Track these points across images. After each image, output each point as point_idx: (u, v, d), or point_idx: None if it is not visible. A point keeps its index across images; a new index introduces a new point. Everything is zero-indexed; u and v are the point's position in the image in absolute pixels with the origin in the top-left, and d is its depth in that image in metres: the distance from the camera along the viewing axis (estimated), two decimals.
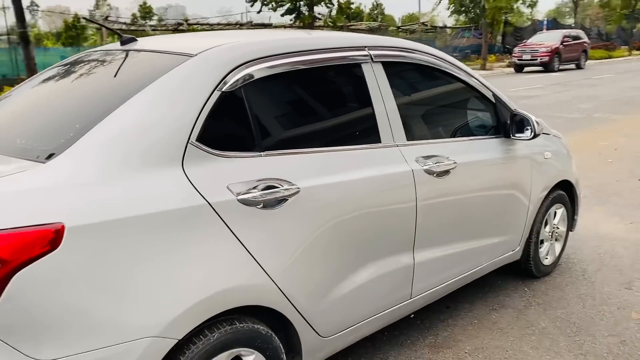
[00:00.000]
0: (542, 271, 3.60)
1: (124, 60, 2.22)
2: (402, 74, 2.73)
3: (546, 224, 3.55)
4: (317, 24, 21.23)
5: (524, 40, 27.05)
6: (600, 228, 4.55)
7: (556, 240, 3.72)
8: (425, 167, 2.52)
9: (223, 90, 1.93)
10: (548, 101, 13.21)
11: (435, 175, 2.57)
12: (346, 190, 2.21)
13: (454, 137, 2.90)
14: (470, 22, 34.32)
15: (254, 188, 1.92)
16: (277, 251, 1.98)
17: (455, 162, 2.67)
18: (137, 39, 2.38)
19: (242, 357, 1.94)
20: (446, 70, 2.82)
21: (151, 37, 2.59)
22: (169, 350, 1.70)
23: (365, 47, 2.46)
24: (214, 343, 1.81)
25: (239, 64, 2.00)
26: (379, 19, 30.04)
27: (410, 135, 2.60)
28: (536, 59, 23.06)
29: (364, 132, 2.43)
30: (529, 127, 2.98)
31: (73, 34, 20.51)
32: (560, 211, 3.65)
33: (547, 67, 22.91)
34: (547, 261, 3.63)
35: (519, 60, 23.66)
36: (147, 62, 2.15)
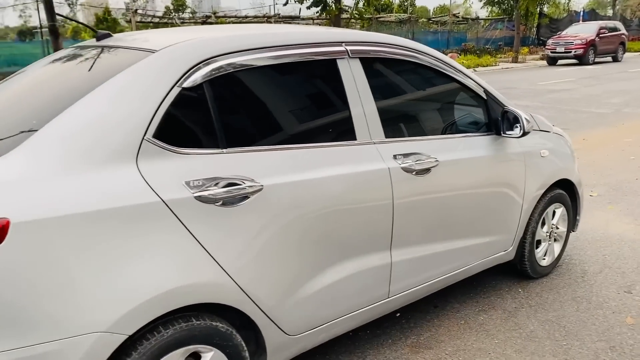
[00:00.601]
0: (539, 272, 3.51)
1: (96, 57, 2.24)
2: (383, 70, 2.68)
3: (543, 223, 3.45)
4: (343, 16, 21.10)
5: (559, 33, 26.33)
6: (610, 228, 4.40)
7: (555, 240, 3.61)
8: (403, 165, 2.47)
9: (184, 86, 1.93)
10: (577, 95, 12.83)
11: (414, 173, 2.52)
12: (316, 188, 2.18)
13: (439, 134, 2.83)
14: (504, 14, 33.58)
15: (214, 185, 1.91)
16: (237, 249, 1.98)
17: (437, 160, 2.61)
18: (112, 34, 2.40)
19: (201, 354, 1.95)
20: (432, 66, 2.75)
21: (130, 33, 2.60)
22: (120, 345, 1.72)
23: (342, 42, 2.42)
24: (168, 339, 1.82)
25: (202, 59, 1.99)
26: (410, 11, 29.64)
27: (390, 132, 2.55)
28: (570, 52, 22.41)
29: (338, 129, 2.39)
30: (518, 125, 2.89)
31: (104, 27, 20.91)
32: (559, 211, 3.54)
33: (581, 60, 22.25)
34: (544, 262, 3.53)
35: (552, 52, 23.04)
36: (114, 58, 2.16)
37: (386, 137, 2.49)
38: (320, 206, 2.20)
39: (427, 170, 2.58)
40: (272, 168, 2.08)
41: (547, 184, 3.32)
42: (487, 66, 23.80)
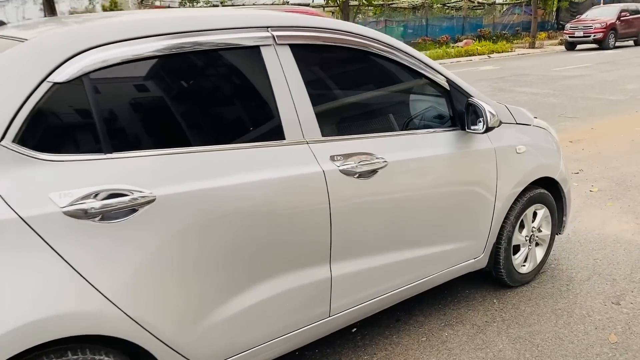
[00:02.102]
0: (518, 280, 3.18)
1: None
2: (321, 59, 2.37)
3: (522, 226, 3.11)
4: (353, 3, 20.61)
5: (578, 16, 25.46)
6: (606, 228, 4.03)
7: (537, 245, 3.27)
8: (342, 167, 2.17)
9: (56, 80, 1.64)
10: (591, 81, 12.27)
11: (356, 176, 2.21)
12: (228, 197, 1.89)
13: (392, 131, 2.50)
14: None
15: (92, 197, 1.63)
16: (123, 272, 1.70)
17: (385, 161, 2.30)
18: (6, 23, 2.13)
19: None
20: (383, 54, 2.42)
21: (28, 21, 2.32)
22: None
23: (268, 27, 2.10)
24: None
25: (80, 50, 1.69)
26: None
27: (330, 130, 2.25)
28: (589, 36, 21.60)
29: (261, 127, 2.10)
30: (481, 119, 2.55)
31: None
32: (541, 212, 3.20)
33: (601, 44, 21.44)
34: (524, 269, 3.19)
35: (570, 37, 22.25)
36: None
37: (324, 135, 2.19)
38: (234, 218, 1.91)
39: (373, 172, 2.27)
40: (170, 175, 1.79)
41: (525, 183, 2.98)
42: (502, 52, 23.14)
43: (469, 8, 30.46)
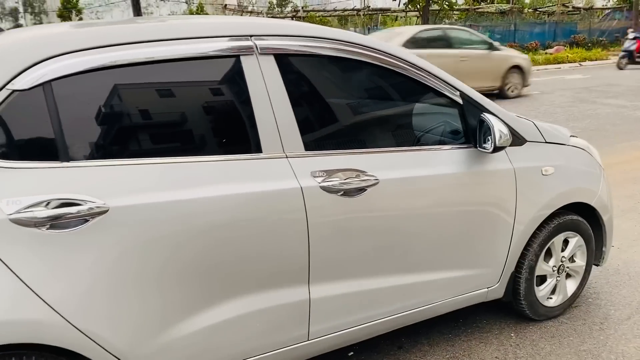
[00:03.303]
0: (542, 314, 2.89)
1: None
2: (311, 69, 2.25)
3: (549, 255, 2.83)
4: (433, 8, 20.14)
5: None
6: None
7: (568, 276, 2.96)
8: (324, 184, 2.05)
9: (16, 88, 1.66)
10: None
11: (340, 193, 2.08)
12: (192, 211, 1.83)
13: (391, 147, 2.34)
14: (623, 3, 30.52)
15: (44, 205, 1.63)
16: (70, 282, 1.68)
17: (376, 179, 2.15)
18: (3, 29, 2.20)
19: None
20: (382, 65, 2.26)
21: (23, 28, 2.38)
22: None
23: (250, 35, 2.03)
24: None
25: (43, 57, 1.70)
26: (513, 1, 27.60)
27: (315, 144, 2.14)
28: None
29: (236, 140, 2.02)
30: (489, 138, 2.33)
31: None
32: (573, 240, 2.89)
33: None
34: (551, 302, 2.90)
35: None
36: None
37: (308, 150, 2.08)
38: (197, 233, 1.84)
39: (361, 190, 2.13)
40: (128, 186, 1.75)
41: (552, 208, 2.70)
42: (595, 60, 21.76)
43: (562, 13, 28.89)
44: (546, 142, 2.71)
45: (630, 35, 17.99)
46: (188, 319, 1.90)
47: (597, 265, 3.10)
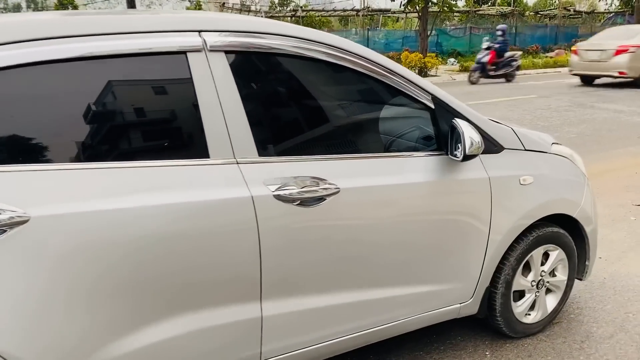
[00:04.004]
0: (521, 331, 2.73)
1: None
2: (269, 68, 2.10)
3: (528, 269, 2.68)
4: (433, 9, 19.96)
5: None
6: None
7: (549, 291, 2.81)
8: (278, 193, 1.89)
9: None
10: None
11: (297, 203, 1.93)
12: (124, 221, 1.67)
13: (355, 153, 2.19)
14: (625, 7, 30.35)
15: None
16: None
17: (337, 187, 2.00)
18: None
19: None
20: (347, 65, 2.10)
21: None
22: None
23: (200, 30, 1.88)
24: None
25: None
26: (514, 3, 27.36)
27: (271, 150, 1.99)
28: None
29: (179, 144, 1.87)
30: (459, 145, 2.18)
31: None
32: (554, 254, 2.73)
33: None
34: (529, 318, 2.75)
35: None
36: None
37: (261, 155, 1.93)
38: (131, 245, 1.68)
39: (320, 199, 1.97)
40: (54, 193, 1.60)
41: (530, 220, 2.55)
42: None
43: (564, 16, 28.72)
44: (525, 150, 2.56)
45: (484, 45, 15.69)
46: (122, 338, 1.74)
47: (580, 279, 2.95)
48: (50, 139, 1.67)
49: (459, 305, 2.49)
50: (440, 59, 19.45)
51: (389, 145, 2.35)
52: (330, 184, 1.99)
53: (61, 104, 1.69)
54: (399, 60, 19.42)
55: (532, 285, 2.70)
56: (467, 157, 2.17)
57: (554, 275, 2.80)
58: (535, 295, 2.73)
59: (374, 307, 2.24)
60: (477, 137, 2.17)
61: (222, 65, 1.88)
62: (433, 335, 2.77)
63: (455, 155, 2.21)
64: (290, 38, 2.02)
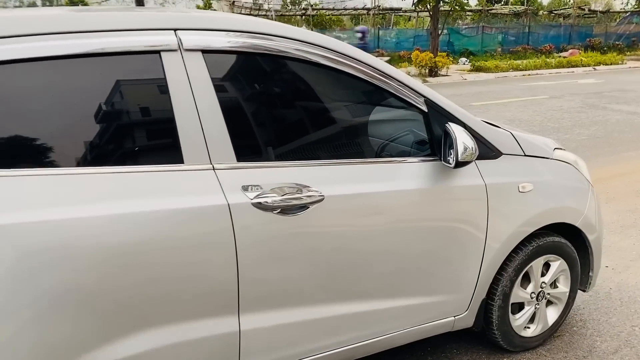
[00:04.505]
0: (519, 345, 2.61)
1: None
2: (249, 69, 1.99)
3: (527, 280, 2.55)
4: (444, 8, 19.75)
5: None
6: None
7: (550, 303, 2.68)
8: (257, 200, 1.79)
9: None
10: None
11: (277, 211, 1.83)
12: (86, 231, 1.57)
13: (341, 159, 2.07)
14: None
15: None
16: None
17: (321, 194, 1.89)
18: None
19: None
20: (334, 66, 1.99)
21: None
22: None
23: (175, 29, 1.78)
24: None
25: None
26: (528, 2, 26.89)
27: (251, 155, 1.89)
28: None
29: (151, 148, 1.77)
30: (451, 151, 2.06)
31: None
32: (555, 264, 2.61)
33: None
34: (529, 331, 2.62)
35: None
36: None
37: (240, 160, 1.82)
38: (93, 256, 1.58)
39: (302, 207, 1.87)
40: (8, 201, 1.50)
41: (530, 229, 2.42)
42: (610, 64, 21.28)
43: (578, 16, 28.32)
44: (525, 156, 2.43)
45: None
46: (91, 351, 1.65)
47: (583, 291, 2.82)
48: (7, 142, 1.57)
49: (453, 318, 2.37)
50: (451, 59, 19.22)
51: (379, 150, 2.24)
52: (313, 191, 1.89)
53: (20, 105, 1.59)
54: (409, 60, 19.26)
55: (532, 297, 2.57)
56: (459, 164, 2.05)
57: (556, 287, 2.67)
58: (535, 308, 2.61)
59: (362, 320, 2.13)
60: (470, 143, 2.05)
61: (198, 66, 1.78)
62: (427, 348, 2.65)
63: (448, 162, 2.09)
64: (273, 37, 1.92)
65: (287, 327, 1.97)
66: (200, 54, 1.79)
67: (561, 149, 2.72)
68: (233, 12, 20.53)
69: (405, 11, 23.56)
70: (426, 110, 2.17)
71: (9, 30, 1.57)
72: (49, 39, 1.60)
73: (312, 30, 22.24)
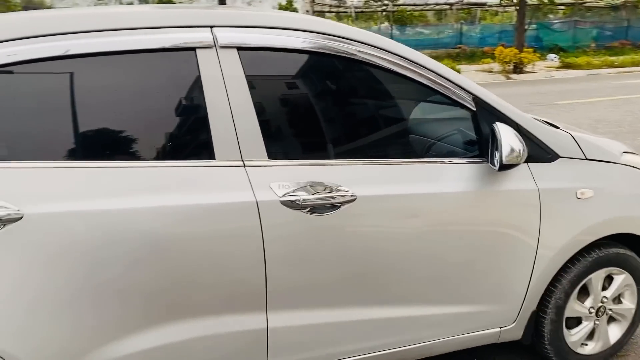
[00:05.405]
0: None
1: None
2: (287, 66, 1.96)
3: (586, 294, 2.36)
4: (532, 2, 18.81)
5: None
6: None
7: (612, 320, 2.47)
8: (286, 198, 1.78)
9: None
10: None
11: (306, 210, 1.80)
12: (121, 222, 1.62)
13: (379, 158, 2.01)
14: None
15: None
16: None
17: (354, 195, 1.85)
18: None
19: None
20: (378, 63, 1.93)
21: None
22: None
23: (211, 26, 1.79)
24: None
25: None
26: None
27: (283, 153, 1.88)
28: None
29: (184, 144, 1.80)
30: (496, 153, 1.94)
31: None
32: (619, 278, 2.40)
33: None
34: (587, 349, 2.43)
35: None
36: None
37: (271, 158, 1.81)
38: (128, 246, 1.64)
39: (333, 207, 1.83)
40: (50, 191, 1.58)
41: (588, 239, 2.24)
42: None
43: None
44: (586, 160, 2.25)
45: None
46: (121, 340, 1.71)
47: None
48: (48, 136, 1.65)
49: (498, 329, 2.25)
50: (538, 55, 18.31)
51: (424, 150, 2.15)
52: (346, 190, 1.84)
53: (61, 102, 1.66)
54: (492, 56, 18.55)
55: (591, 313, 2.38)
56: (504, 167, 1.93)
57: (620, 302, 2.46)
58: (595, 324, 2.41)
59: (397, 326, 2.06)
60: (518, 145, 1.92)
61: (233, 63, 1.79)
62: (474, 358, 2.53)
63: (493, 164, 1.97)
64: (309, 33, 1.89)
65: (317, 328, 1.94)
66: (235, 50, 1.80)
67: (632, 152, 2.49)
68: (313, 9, 20.70)
69: (491, 6, 22.73)
70: (474, 109, 2.06)
71: (59, 29, 1.65)
72: (88, 37, 1.66)
73: (392, 26, 22.07)
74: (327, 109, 2.08)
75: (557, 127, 2.36)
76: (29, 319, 1.59)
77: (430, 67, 2.01)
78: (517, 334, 2.30)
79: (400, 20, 22.67)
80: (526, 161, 2.09)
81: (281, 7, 20.24)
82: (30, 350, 1.61)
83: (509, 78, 16.26)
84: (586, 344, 2.44)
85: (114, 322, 1.69)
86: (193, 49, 1.76)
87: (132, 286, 1.67)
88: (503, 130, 1.94)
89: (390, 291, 2.02)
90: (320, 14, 20.91)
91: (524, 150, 1.95)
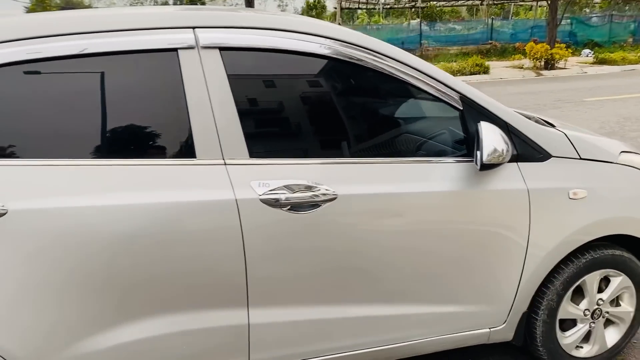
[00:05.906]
0: None
1: None
2: (269, 66, 1.98)
3: (581, 296, 2.32)
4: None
5: None
6: None
7: (610, 323, 2.42)
8: (265, 197, 1.80)
9: None
10: None
11: (287, 208, 1.83)
12: (101, 219, 1.68)
13: (363, 157, 2.02)
14: None
15: None
16: None
17: (335, 193, 1.86)
18: None
19: None
20: (361, 64, 1.94)
21: None
22: None
23: (194, 27, 1.83)
24: None
25: None
26: None
27: (264, 151, 1.90)
28: None
29: (165, 142, 1.83)
30: (478, 151, 1.92)
31: (313, 14, 21.63)
32: (616, 280, 2.34)
33: None
34: (582, 352, 2.39)
35: None
36: None
37: (252, 156, 1.84)
38: (107, 242, 1.69)
39: (314, 205, 1.85)
40: (34, 188, 1.65)
41: (583, 238, 2.20)
42: None
43: None
44: (580, 159, 2.21)
45: None
46: (102, 333, 1.76)
47: None
48: (32, 134, 1.71)
49: (488, 330, 2.23)
50: (571, 50, 17.86)
51: (408, 150, 2.14)
52: (326, 189, 1.86)
53: (45, 101, 1.72)
54: (524, 52, 18.19)
55: (586, 315, 2.34)
56: (485, 166, 1.91)
57: (618, 305, 2.41)
58: (590, 327, 2.36)
59: (382, 324, 2.07)
60: (501, 144, 1.90)
61: (215, 63, 1.82)
62: (468, 358, 2.51)
63: (477, 163, 1.96)
64: (292, 33, 1.91)
65: (299, 324, 1.96)
66: (217, 51, 1.83)
67: (631, 152, 2.43)
68: (341, 5, 20.65)
69: (524, 0, 22.25)
70: (461, 108, 2.05)
71: (43, 31, 1.71)
72: (73, 39, 1.71)
73: (421, 22, 21.87)
74: (310, 108, 2.09)
75: (553, 126, 2.32)
76: (11, 312, 1.65)
77: (415, 65, 2.01)
78: (508, 335, 2.27)
79: (429, 16, 22.43)
80: (516, 160, 2.08)
81: (309, 4, 20.25)
82: (11, 342, 1.67)
83: (539, 74, 15.93)
84: (581, 347, 2.39)
85: (94, 316, 1.74)
86: (175, 49, 1.80)
87: (112, 281, 1.72)
88: (486, 129, 1.92)
89: (374, 290, 2.02)
90: (351, 11, 20.82)
91: (507, 150, 1.92)
